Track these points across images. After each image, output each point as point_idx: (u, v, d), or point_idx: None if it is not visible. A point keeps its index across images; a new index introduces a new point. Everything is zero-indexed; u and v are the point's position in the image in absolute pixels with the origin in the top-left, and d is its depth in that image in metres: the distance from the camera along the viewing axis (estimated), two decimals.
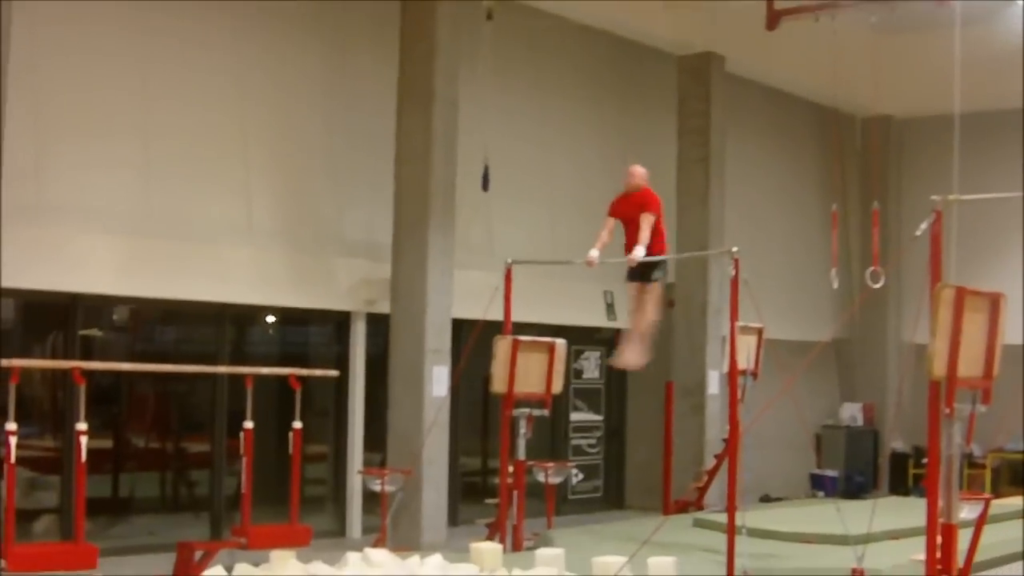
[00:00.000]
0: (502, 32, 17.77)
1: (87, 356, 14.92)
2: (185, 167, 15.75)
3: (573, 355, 20.26)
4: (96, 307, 15.50)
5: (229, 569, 12.09)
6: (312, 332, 18.37)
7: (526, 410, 14.91)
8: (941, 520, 9.91)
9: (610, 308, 21.19)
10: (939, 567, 10.00)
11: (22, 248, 13.44)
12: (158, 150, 15.47)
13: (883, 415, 25.09)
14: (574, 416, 21.25)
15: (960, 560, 10.36)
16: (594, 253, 14.04)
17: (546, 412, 15.23)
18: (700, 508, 18.28)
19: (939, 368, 9.70)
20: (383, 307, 16.95)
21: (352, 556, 12.68)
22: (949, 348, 9.69)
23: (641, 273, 14.14)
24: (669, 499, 19.97)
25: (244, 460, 13.25)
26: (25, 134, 13.85)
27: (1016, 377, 19.70)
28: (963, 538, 10.49)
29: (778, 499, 22.32)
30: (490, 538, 14.76)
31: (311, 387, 15.42)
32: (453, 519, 17.65)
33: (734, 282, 13.31)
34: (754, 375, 17.38)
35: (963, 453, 10.26)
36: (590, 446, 21.59)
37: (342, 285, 17.20)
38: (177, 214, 15.57)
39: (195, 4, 15.83)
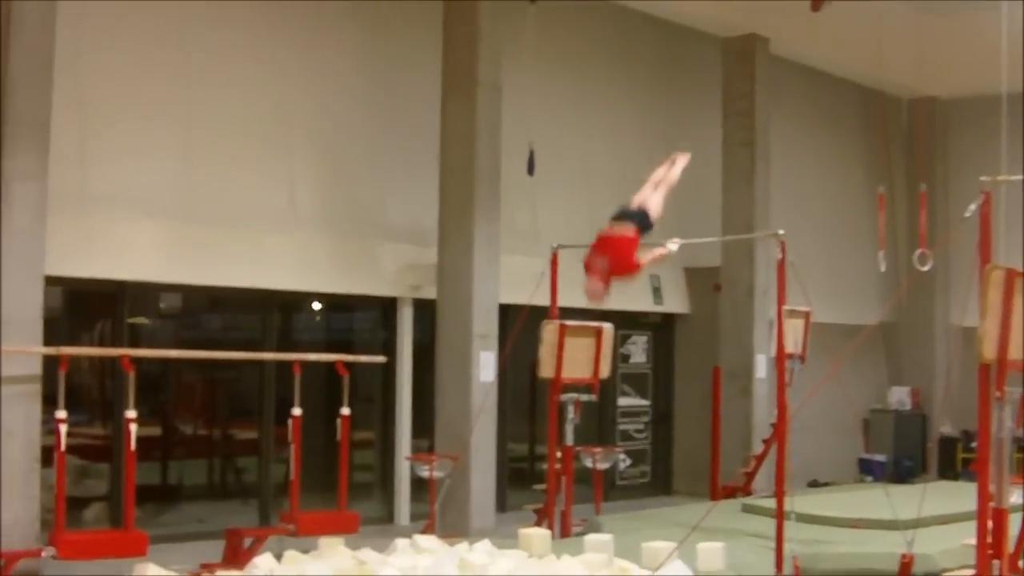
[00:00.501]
0: (544, 17, 17.75)
1: (135, 344, 14.98)
2: (228, 154, 15.79)
3: (620, 339, 20.20)
4: (143, 295, 15.55)
5: (278, 556, 12.14)
6: (358, 318, 18.38)
7: (574, 395, 14.88)
8: (992, 505, 9.84)
9: (656, 292, 21.16)
10: (990, 552, 9.94)
11: (68, 236, 13.53)
12: (201, 137, 15.51)
13: (931, 399, 24.92)
14: (621, 401, 21.22)
15: (1011, 544, 10.29)
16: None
17: (594, 397, 15.21)
18: (748, 493, 18.22)
19: (989, 351, 9.63)
20: (429, 292, 16.95)
21: (401, 542, 12.71)
22: (1000, 330, 9.62)
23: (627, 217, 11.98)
24: (717, 484, 19.95)
25: (292, 447, 13.30)
26: (70, 123, 13.91)
27: None
28: (1014, 522, 10.42)
29: (826, 484, 22.22)
30: (538, 524, 14.75)
31: (358, 373, 15.43)
32: (501, 505, 17.65)
33: (781, 265, 13.24)
34: (801, 359, 17.27)
35: (1014, 437, 10.19)
36: (637, 431, 21.56)
37: (388, 271, 17.21)
38: (222, 201, 15.61)
39: None
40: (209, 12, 15.62)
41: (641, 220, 11.69)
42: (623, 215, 11.78)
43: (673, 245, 12.47)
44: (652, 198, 12.05)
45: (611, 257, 11.50)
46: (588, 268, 11.60)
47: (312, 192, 16.68)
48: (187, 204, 15.26)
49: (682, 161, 12.69)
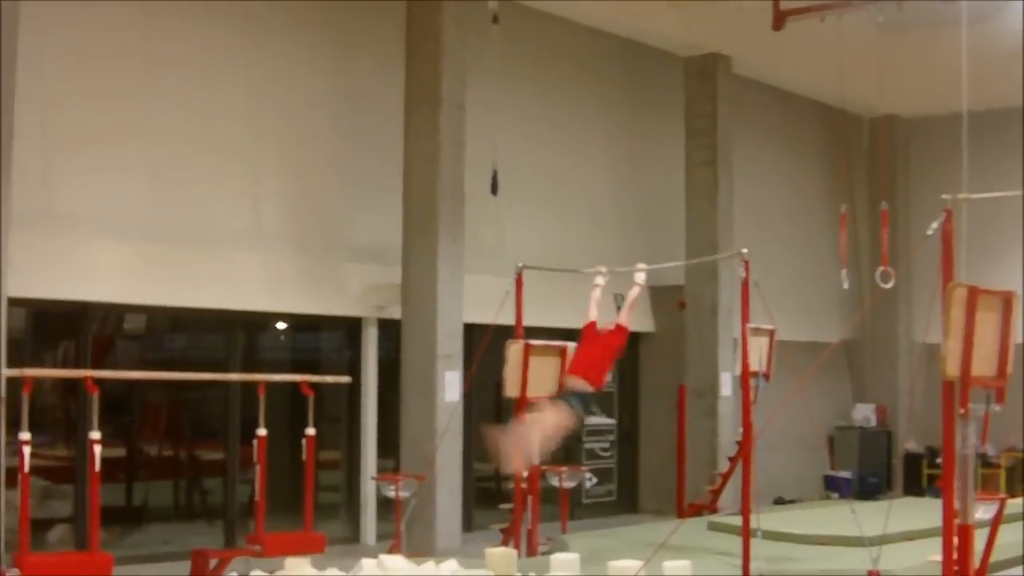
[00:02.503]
0: (508, 35, 17.77)
1: (99, 364, 14.92)
2: (193, 173, 15.77)
3: None
4: (107, 315, 15.50)
5: None
6: (323, 338, 18.37)
7: None
8: (957, 521, 9.87)
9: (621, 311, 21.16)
10: (955, 568, 9.97)
11: (32, 256, 13.47)
12: (166, 156, 15.48)
13: (896, 416, 25.04)
14: (587, 420, 21.19)
15: (976, 560, 10.33)
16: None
17: None
18: (714, 511, 18.25)
19: (952, 368, 9.67)
20: (394, 312, 16.94)
21: (367, 562, 12.69)
22: (962, 348, 9.66)
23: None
24: (683, 502, 19.98)
25: (257, 467, 13.25)
26: (33, 142, 13.86)
27: None
28: (979, 538, 10.46)
29: (792, 501, 22.30)
30: (504, 543, 14.76)
31: (323, 393, 15.42)
32: (467, 524, 17.65)
33: (744, 284, 13.29)
34: (766, 377, 17.31)
35: (978, 453, 10.23)
36: (603, 450, 21.57)
37: (353, 290, 17.21)
38: (186, 220, 15.57)
39: (201, 9, 15.86)
40: (173, 30, 15.61)
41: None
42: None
43: (640, 277, 12.72)
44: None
45: (589, 378, 12.00)
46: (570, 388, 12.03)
47: (278, 211, 16.66)
48: (152, 223, 15.22)
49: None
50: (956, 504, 9.87)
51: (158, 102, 15.45)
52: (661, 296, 21.74)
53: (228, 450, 16.21)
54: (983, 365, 9.91)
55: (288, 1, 16.78)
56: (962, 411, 9.73)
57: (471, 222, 17.14)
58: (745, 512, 12.79)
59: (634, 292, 12.82)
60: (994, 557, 12.66)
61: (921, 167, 25.40)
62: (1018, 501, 17.27)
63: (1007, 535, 14.41)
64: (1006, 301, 10.17)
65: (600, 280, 13.12)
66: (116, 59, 15.10)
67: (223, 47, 16.17)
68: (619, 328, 12.34)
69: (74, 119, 14.63)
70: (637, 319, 21.36)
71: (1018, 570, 13.60)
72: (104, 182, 14.81)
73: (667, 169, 21.90)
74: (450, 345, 16.41)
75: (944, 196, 10.34)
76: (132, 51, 15.24)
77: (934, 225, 10.20)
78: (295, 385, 13.87)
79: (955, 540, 9.92)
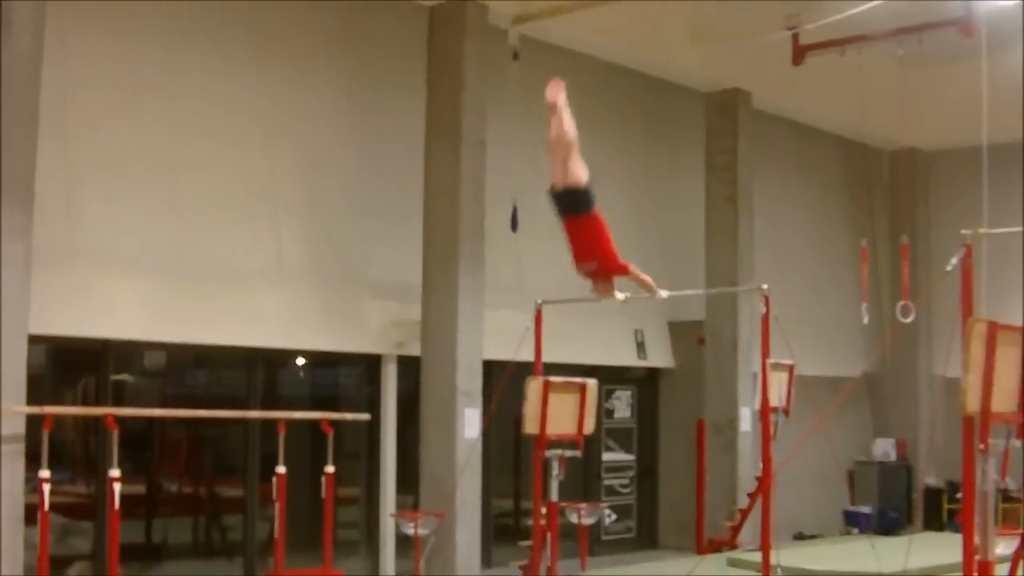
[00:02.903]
0: (529, 71, 17.79)
1: (119, 401, 14.95)
2: (213, 208, 15.74)
3: (604, 394, 20.20)
4: (127, 352, 15.51)
5: None
6: (343, 374, 18.36)
7: (558, 451, 14.84)
8: (977, 557, 9.84)
9: (640, 347, 21.18)
10: None
11: (52, 293, 13.48)
12: (187, 191, 15.45)
13: (916, 450, 24.92)
14: (606, 456, 21.19)
15: None
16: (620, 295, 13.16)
17: (578, 453, 15.17)
18: (734, 547, 18.22)
19: (972, 403, 9.64)
20: (414, 349, 16.93)
21: None
22: (982, 383, 9.63)
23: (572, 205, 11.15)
24: (703, 538, 19.93)
25: (277, 505, 13.26)
26: (54, 178, 13.86)
27: None
28: (1000, 573, 10.41)
29: (812, 536, 22.22)
30: None
31: (342, 430, 15.41)
32: (487, 561, 17.60)
33: (765, 319, 13.30)
34: (786, 412, 17.28)
35: (998, 488, 10.19)
36: (622, 486, 21.53)
37: (373, 327, 17.20)
38: (206, 256, 15.55)
39: (223, 44, 15.90)
40: (195, 64, 15.62)
41: (588, 197, 11.03)
42: (571, 204, 11.01)
43: (663, 292, 12.34)
44: (573, 168, 10.94)
45: (596, 260, 11.26)
46: (586, 273, 11.40)
47: (298, 246, 16.66)
48: (172, 259, 15.19)
49: (560, 94, 11.13)
50: (976, 540, 9.84)
51: (179, 137, 15.44)
52: (681, 331, 21.73)
53: (248, 487, 16.18)
54: (1003, 400, 9.87)
55: (308, 37, 16.84)
56: (982, 447, 9.70)
57: (491, 258, 17.14)
58: (765, 548, 12.76)
59: (648, 278, 11.65)
60: None
61: (941, 200, 25.34)
62: None
63: None
64: None
65: (663, 293, 12.23)
66: (139, 93, 15.09)
67: (244, 82, 16.18)
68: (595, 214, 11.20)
69: (95, 154, 14.62)
70: (657, 354, 21.46)
71: None
72: (125, 217, 14.79)
73: (687, 205, 21.89)
74: (469, 382, 16.38)
75: (964, 231, 10.34)
76: (155, 86, 15.24)
77: (954, 260, 10.20)
78: (315, 422, 13.89)
79: None
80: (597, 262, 11.18)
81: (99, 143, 14.68)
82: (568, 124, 10.82)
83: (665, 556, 19.80)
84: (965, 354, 9.61)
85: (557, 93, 10.89)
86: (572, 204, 10.89)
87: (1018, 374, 10.06)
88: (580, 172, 10.78)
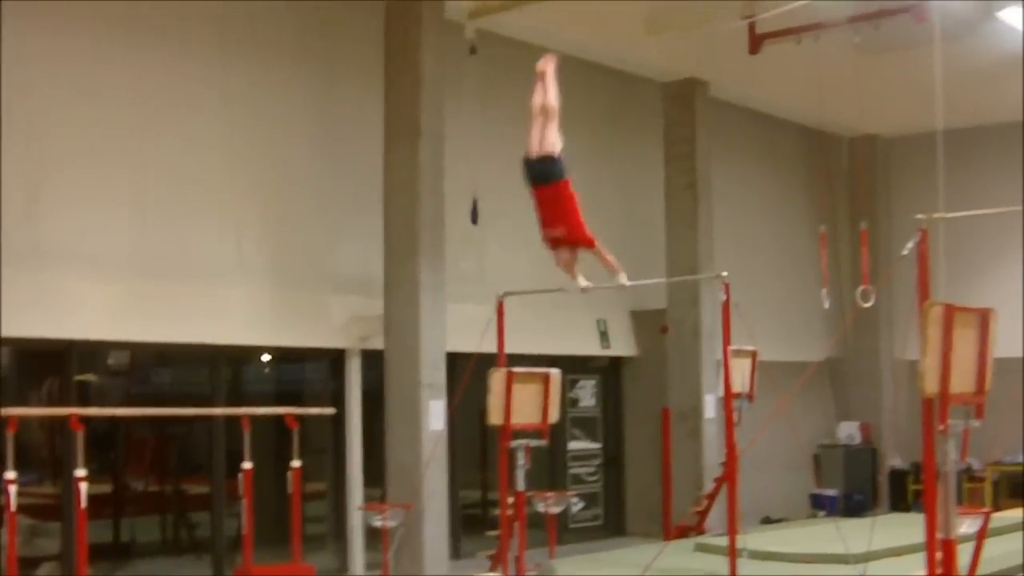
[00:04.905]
0: (487, 64, 17.84)
1: (83, 402, 14.93)
2: (175, 206, 15.68)
3: (568, 384, 20.28)
4: (91, 352, 15.49)
5: None
6: (307, 369, 18.38)
7: (524, 441, 14.89)
8: (940, 536, 9.94)
9: (604, 336, 21.25)
10: None
11: (15, 295, 13.45)
12: (149, 190, 15.42)
13: (880, 433, 25.10)
14: (572, 445, 21.26)
15: (962, 574, 10.38)
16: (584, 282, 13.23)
17: (544, 442, 15.23)
18: (701, 532, 18.30)
19: (931, 385, 9.72)
20: (377, 343, 16.96)
21: None
22: (940, 365, 9.72)
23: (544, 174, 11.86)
24: (670, 524, 20.01)
25: (244, 501, 13.28)
26: (17, 178, 13.85)
27: (1015, 390, 19.80)
28: (965, 552, 10.52)
29: (779, 520, 22.33)
30: (492, 570, 14.80)
31: (308, 425, 15.44)
32: (455, 552, 17.67)
33: (725, 306, 13.37)
34: (749, 398, 17.37)
35: (960, 468, 10.29)
36: (589, 474, 21.61)
37: (336, 322, 17.21)
38: (169, 255, 15.53)
39: (183, 41, 15.85)
40: (157, 62, 15.57)
41: (560, 167, 11.69)
42: (543, 172, 11.74)
43: (623, 276, 12.32)
44: (549, 135, 11.86)
45: (564, 229, 11.56)
46: (550, 243, 11.61)
47: (260, 244, 16.64)
48: (135, 259, 15.15)
49: (551, 65, 12.14)
50: (939, 519, 9.94)
51: (142, 136, 15.40)
52: (643, 321, 21.81)
53: (214, 484, 16.19)
54: (962, 382, 9.95)
55: (268, 34, 16.82)
56: (942, 428, 9.80)
57: (452, 251, 17.18)
58: (731, 532, 12.85)
59: (613, 259, 11.77)
60: (993, 568, 12.78)
61: (901, 186, 25.50)
62: (1007, 514, 17.37)
63: (1008, 545, 14.54)
64: (983, 318, 10.23)
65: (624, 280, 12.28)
66: (100, 92, 15.04)
67: (204, 79, 16.14)
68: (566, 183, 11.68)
69: (58, 154, 14.58)
70: (619, 343, 21.54)
71: None
72: (87, 219, 14.75)
73: (648, 195, 21.96)
74: (433, 374, 16.42)
75: (919, 216, 10.42)
76: (116, 85, 15.19)
77: (909, 245, 10.29)
78: (280, 417, 13.91)
79: (939, 555, 9.99)
80: (565, 230, 11.49)
81: (62, 143, 14.63)
82: (552, 94, 11.80)
83: (633, 543, 19.85)
84: (922, 338, 9.70)
85: (548, 63, 11.90)
86: (545, 172, 11.61)
87: (976, 355, 10.16)
88: (556, 140, 11.65)
